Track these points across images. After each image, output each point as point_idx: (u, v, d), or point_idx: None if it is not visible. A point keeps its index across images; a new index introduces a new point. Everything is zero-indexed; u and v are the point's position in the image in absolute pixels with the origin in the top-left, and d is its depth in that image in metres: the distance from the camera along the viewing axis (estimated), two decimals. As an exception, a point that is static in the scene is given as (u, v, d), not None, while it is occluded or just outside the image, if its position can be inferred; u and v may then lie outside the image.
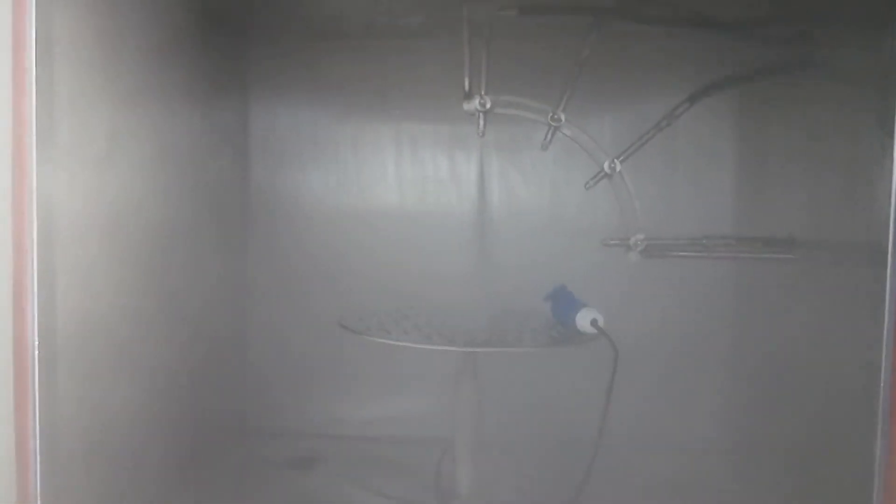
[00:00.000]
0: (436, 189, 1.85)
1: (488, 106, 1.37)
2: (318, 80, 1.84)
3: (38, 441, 0.97)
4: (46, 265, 0.98)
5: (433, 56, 1.71)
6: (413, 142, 1.85)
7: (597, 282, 1.64)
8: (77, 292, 1.06)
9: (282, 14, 1.65)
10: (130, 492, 1.25)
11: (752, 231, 1.56)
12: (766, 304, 1.57)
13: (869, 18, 1.10)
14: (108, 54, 1.15)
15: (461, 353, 1.37)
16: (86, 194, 1.09)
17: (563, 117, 1.37)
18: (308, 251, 1.86)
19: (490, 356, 1.39)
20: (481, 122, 1.39)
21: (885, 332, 0.98)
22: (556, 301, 1.36)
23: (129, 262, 1.24)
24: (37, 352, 0.96)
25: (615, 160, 1.35)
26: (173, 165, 1.43)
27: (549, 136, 1.40)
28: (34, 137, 0.95)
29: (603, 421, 1.20)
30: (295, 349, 1.87)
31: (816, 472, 1.27)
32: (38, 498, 0.97)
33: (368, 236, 1.85)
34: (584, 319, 1.27)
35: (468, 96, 1.39)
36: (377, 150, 1.86)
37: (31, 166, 0.95)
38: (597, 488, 1.58)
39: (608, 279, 1.63)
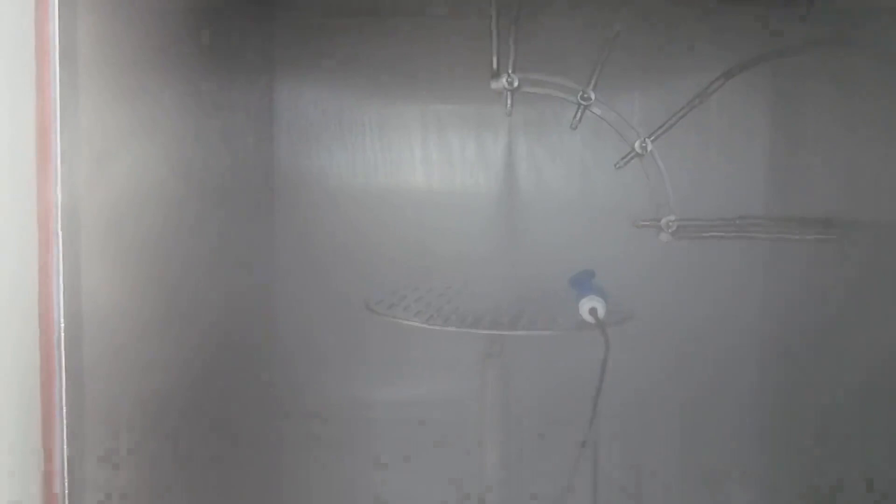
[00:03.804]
0: (462, 170, 1.83)
1: (516, 84, 1.34)
2: (343, 59, 1.82)
3: (64, 432, 0.97)
4: (71, 252, 0.98)
5: (460, 34, 1.68)
6: (439, 121, 1.83)
7: (627, 263, 1.62)
8: (103, 277, 1.06)
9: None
10: (158, 476, 1.26)
11: (788, 211, 1.52)
12: (802, 286, 1.53)
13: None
14: (131, 43, 1.14)
15: (488, 336, 1.35)
16: (114, 174, 1.09)
17: (593, 95, 1.34)
18: (334, 233, 1.85)
19: (517, 339, 1.37)
20: (509, 101, 1.37)
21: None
22: (576, 286, 1.33)
23: (153, 247, 1.24)
24: (63, 336, 0.96)
25: (646, 139, 1.31)
26: (199, 149, 1.43)
27: (578, 115, 1.37)
28: (58, 131, 0.94)
29: (594, 409, 1.18)
30: (322, 330, 1.86)
31: (851, 460, 1.24)
32: (65, 481, 0.97)
33: (394, 217, 1.84)
34: (584, 307, 1.24)
35: (496, 75, 1.36)
36: (403, 130, 1.84)
37: (55, 159, 0.94)
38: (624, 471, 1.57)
39: (639, 261, 1.60)
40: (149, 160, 1.21)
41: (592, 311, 1.23)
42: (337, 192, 1.85)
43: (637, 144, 1.32)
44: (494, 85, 1.35)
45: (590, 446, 1.22)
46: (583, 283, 1.33)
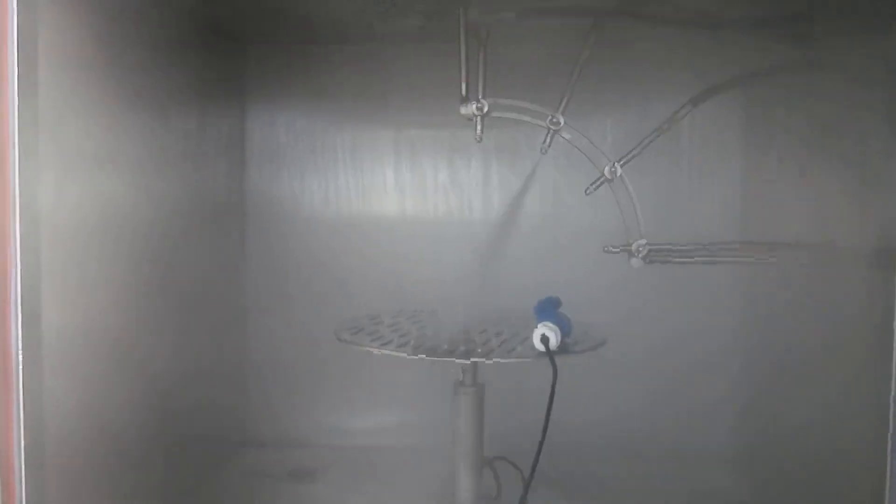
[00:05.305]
0: (435, 194, 1.83)
1: (485, 110, 1.35)
2: (316, 86, 1.82)
3: (22, 453, 0.95)
4: (31, 271, 0.96)
5: (432, 61, 1.68)
6: (412, 147, 1.83)
7: (599, 288, 1.62)
8: (67, 300, 1.05)
9: (279, 20, 1.64)
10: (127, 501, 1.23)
11: (758, 235, 1.53)
12: (773, 309, 1.53)
13: (876, 16, 1.07)
14: (99, 58, 1.14)
15: (460, 363, 1.34)
16: (77, 198, 1.08)
17: (562, 120, 1.34)
18: (306, 259, 1.84)
19: (490, 364, 1.36)
20: (479, 127, 1.37)
21: (894, 339, 0.94)
22: (539, 313, 1.33)
23: (122, 268, 1.22)
24: (21, 357, 0.94)
25: (615, 164, 1.32)
26: (168, 171, 1.42)
27: (548, 139, 1.38)
28: (16, 141, 0.93)
29: (543, 436, 1.17)
30: (293, 357, 1.85)
31: (826, 482, 1.23)
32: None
33: (367, 243, 1.83)
34: (536, 336, 1.23)
35: (465, 100, 1.36)
36: (376, 156, 1.84)
37: (12, 170, 0.93)
38: (602, 498, 1.55)
39: (611, 285, 1.60)
40: (112, 185, 1.19)
41: (543, 340, 1.23)
42: (309, 217, 1.85)
43: (607, 169, 1.32)
44: (464, 110, 1.35)
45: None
46: (545, 310, 1.32)
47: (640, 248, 1.32)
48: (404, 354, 1.25)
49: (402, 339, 1.35)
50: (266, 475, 1.68)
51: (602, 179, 1.34)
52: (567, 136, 1.35)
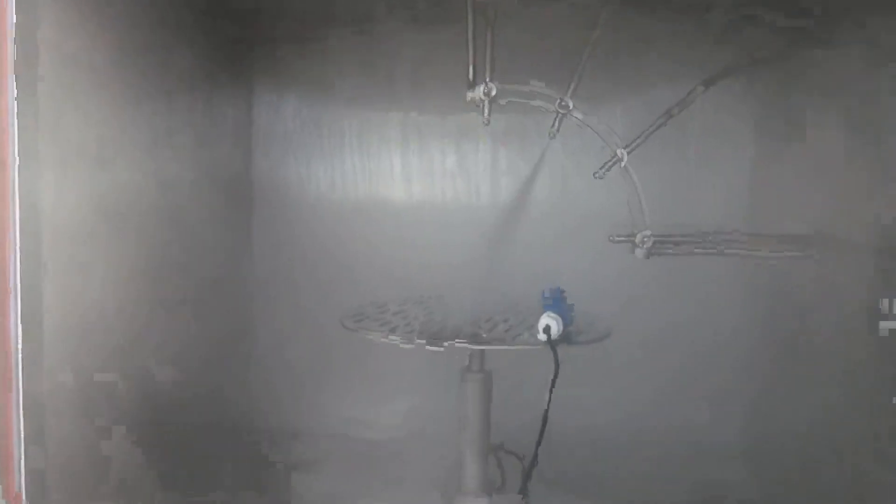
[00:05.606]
0: (442, 180, 1.81)
1: (493, 93, 1.32)
2: (323, 71, 1.80)
3: (22, 443, 0.95)
4: (31, 266, 0.96)
5: (439, 46, 1.65)
6: (419, 131, 1.81)
7: (607, 275, 1.60)
8: (71, 289, 1.05)
9: (286, 4, 1.62)
10: (129, 492, 1.24)
11: (768, 227, 1.49)
12: (782, 300, 1.51)
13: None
14: (102, 50, 1.13)
15: (467, 349, 1.33)
16: (80, 190, 1.07)
17: (570, 104, 1.32)
18: (312, 245, 1.83)
19: (497, 350, 1.34)
20: (486, 111, 1.34)
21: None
22: (544, 302, 1.31)
23: (127, 257, 1.22)
24: (20, 347, 0.94)
25: (622, 150, 1.29)
26: (173, 159, 1.41)
27: (556, 123, 1.36)
28: (15, 136, 0.93)
29: (544, 424, 1.18)
30: (299, 345, 1.83)
31: (832, 474, 1.22)
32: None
33: (374, 229, 1.82)
34: (540, 325, 1.22)
35: (472, 85, 1.33)
36: (383, 141, 1.82)
37: (12, 164, 0.92)
38: (606, 488, 1.54)
39: (619, 273, 1.58)
40: (118, 174, 1.19)
41: (546, 329, 1.21)
42: (316, 203, 1.84)
43: (618, 152, 1.30)
44: (471, 95, 1.32)
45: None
46: (550, 300, 1.31)
47: (645, 239, 1.29)
48: (407, 344, 1.23)
49: (410, 325, 1.34)
50: (269, 464, 1.68)
51: (614, 160, 1.32)
52: (579, 115, 1.32)
